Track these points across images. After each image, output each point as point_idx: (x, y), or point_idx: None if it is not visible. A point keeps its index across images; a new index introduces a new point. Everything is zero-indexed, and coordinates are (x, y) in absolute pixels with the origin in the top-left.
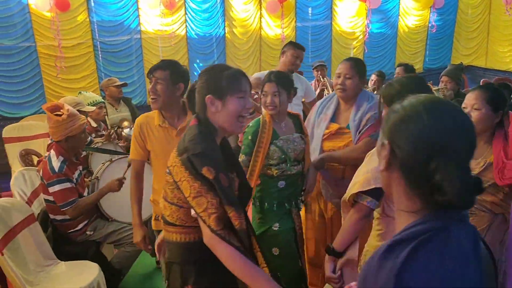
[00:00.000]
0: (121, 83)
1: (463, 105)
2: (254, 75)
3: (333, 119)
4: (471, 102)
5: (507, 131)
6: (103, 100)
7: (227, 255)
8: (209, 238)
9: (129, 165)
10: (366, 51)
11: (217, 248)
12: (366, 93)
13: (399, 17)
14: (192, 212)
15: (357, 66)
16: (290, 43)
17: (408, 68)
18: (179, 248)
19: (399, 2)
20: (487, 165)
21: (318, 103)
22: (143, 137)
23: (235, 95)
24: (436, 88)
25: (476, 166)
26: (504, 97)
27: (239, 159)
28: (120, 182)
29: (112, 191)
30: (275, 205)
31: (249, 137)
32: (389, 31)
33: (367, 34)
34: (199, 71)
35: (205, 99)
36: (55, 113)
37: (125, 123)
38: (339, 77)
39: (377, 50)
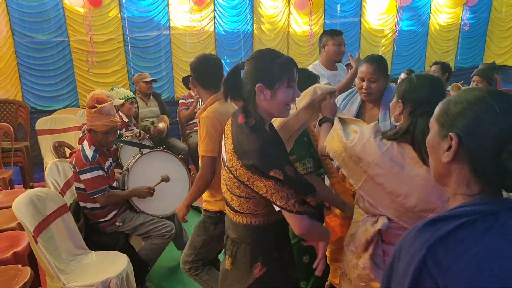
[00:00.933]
0: (150, 79)
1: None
2: None
3: (357, 116)
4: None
5: None
6: (134, 96)
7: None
8: (302, 227)
9: (161, 180)
10: (396, 49)
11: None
12: (391, 90)
13: (430, 14)
14: (277, 208)
15: (381, 68)
16: (326, 33)
17: (444, 66)
18: (249, 230)
19: None
20: None
21: (342, 95)
22: None
23: (286, 84)
24: (467, 87)
25: None
26: None
27: None
28: (150, 192)
29: (139, 197)
30: None
31: None
32: (419, 29)
33: (397, 31)
34: (227, 68)
35: (256, 87)
36: (94, 105)
37: (161, 125)
38: (363, 80)
39: (407, 48)
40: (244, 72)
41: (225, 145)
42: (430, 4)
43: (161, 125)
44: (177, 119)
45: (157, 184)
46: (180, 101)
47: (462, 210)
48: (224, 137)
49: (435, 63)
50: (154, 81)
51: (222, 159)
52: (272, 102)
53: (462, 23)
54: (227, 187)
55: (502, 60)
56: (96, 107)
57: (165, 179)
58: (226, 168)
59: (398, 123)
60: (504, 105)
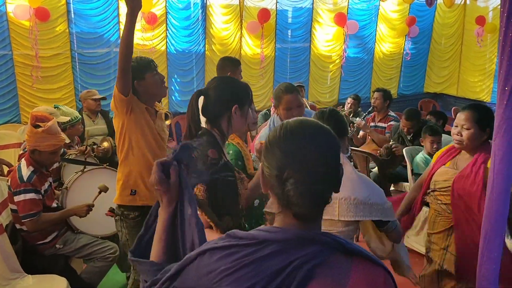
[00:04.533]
0: (99, 96)
1: (454, 124)
2: None
3: None
4: (461, 122)
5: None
6: (79, 116)
7: None
8: None
9: (99, 192)
10: (343, 75)
11: None
12: (309, 114)
13: (375, 43)
14: None
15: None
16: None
17: (386, 93)
18: None
19: (376, 29)
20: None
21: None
22: None
23: (250, 106)
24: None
25: (452, 175)
26: (491, 115)
27: None
28: (89, 209)
29: (78, 215)
30: (253, 225)
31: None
32: (365, 57)
33: (344, 58)
34: (177, 87)
35: (232, 108)
36: (37, 123)
37: (105, 144)
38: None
39: (354, 74)
40: (213, 96)
41: None
42: (375, 34)
43: (105, 143)
44: None
45: (96, 198)
46: None
47: (254, 234)
48: None
49: (377, 90)
50: (103, 99)
51: None
52: (242, 120)
53: (405, 52)
54: None
55: (441, 88)
56: (39, 126)
57: (103, 189)
58: None
59: None
60: (287, 142)
